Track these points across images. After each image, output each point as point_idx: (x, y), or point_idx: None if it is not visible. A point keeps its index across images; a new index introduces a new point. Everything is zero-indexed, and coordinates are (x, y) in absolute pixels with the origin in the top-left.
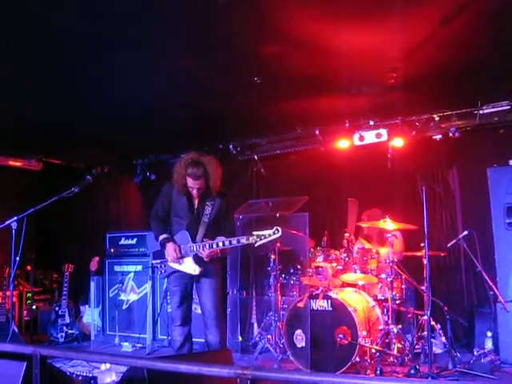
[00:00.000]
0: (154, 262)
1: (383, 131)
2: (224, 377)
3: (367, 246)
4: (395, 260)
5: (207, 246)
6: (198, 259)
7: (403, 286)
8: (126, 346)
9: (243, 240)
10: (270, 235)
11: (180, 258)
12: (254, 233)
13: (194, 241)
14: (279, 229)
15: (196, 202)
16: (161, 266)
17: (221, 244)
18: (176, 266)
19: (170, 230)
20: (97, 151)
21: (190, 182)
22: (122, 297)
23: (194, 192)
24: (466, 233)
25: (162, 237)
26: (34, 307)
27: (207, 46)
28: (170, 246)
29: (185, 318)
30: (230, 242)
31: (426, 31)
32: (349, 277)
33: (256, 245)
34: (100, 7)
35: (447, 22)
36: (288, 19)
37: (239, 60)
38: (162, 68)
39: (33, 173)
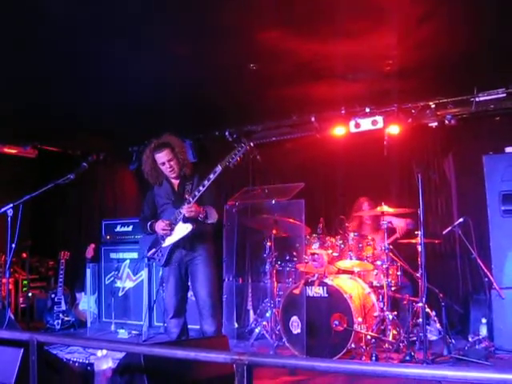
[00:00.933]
0: (149, 254)
1: (379, 118)
2: (220, 362)
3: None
4: (391, 247)
5: (190, 199)
6: (187, 219)
7: (398, 273)
8: (122, 333)
9: (217, 168)
10: (239, 150)
11: (170, 225)
12: (225, 157)
13: None
14: (245, 141)
15: (176, 184)
16: (157, 255)
17: (201, 188)
18: (170, 241)
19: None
20: (92, 138)
21: (158, 158)
22: (118, 284)
23: (168, 168)
24: (461, 220)
25: (149, 223)
26: (29, 294)
27: (203, 32)
28: (158, 222)
29: (179, 308)
30: (209, 179)
31: (421, 19)
32: (344, 264)
33: (231, 164)
34: None
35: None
36: (285, 4)
37: (235, 46)
38: (158, 55)
39: (28, 160)
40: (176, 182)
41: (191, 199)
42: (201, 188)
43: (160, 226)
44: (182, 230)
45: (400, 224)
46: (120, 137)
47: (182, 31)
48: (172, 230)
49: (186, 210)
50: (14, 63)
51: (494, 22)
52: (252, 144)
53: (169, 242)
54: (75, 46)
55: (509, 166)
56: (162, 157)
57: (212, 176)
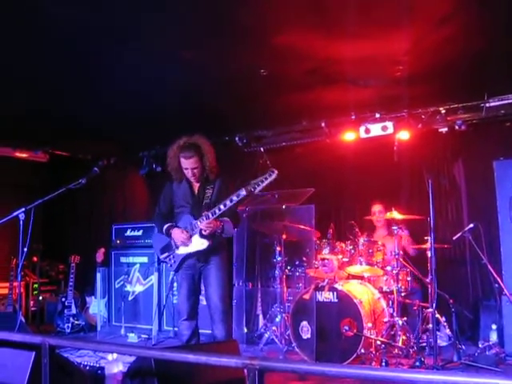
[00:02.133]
0: (162, 256)
1: (389, 124)
2: (231, 367)
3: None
4: (401, 253)
5: (210, 215)
6: (203, 234)
7: (408, 279)
8: (132, 337)
9: (242, 192)
10: (266, 178)
11: (188, 238)
12: (251, 182)
13: None
14: (274, 170)
15: (196, 187)
16: (169, 259)
17: (222, 207)
18: (184, 251)
19: (175, 223)
20: (103, 143)
21: (183, 163)
22: (128, 288)
23: (190, 174)
24: (471, 226)
25: (166, 226)
26: (40, 298)
27: (214, 37)
28: (175, 230)
29: (192, 311)
30: (231, 200)
31: (433, 24)
32: (354, 269)
33: (256, 191)
34: None
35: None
36: (297, 10)
37: (246, 51)
38: (168, 60)
39: (39, 164)
40: (196, 185)
41: (210, 215)
42: (221, 207)
43: (178, 236)
44: (198, 244)
45: (407, 243)
46: (130, 141)
47: (193, 38)
48: (189, 242)
49: (203, 226)
50: (27, 68)
51: (505, 28)
52: (262, 149)
53: (183, 251)
54: (85, 52)
55: None
56: (187, 163)
57: (235, 198)
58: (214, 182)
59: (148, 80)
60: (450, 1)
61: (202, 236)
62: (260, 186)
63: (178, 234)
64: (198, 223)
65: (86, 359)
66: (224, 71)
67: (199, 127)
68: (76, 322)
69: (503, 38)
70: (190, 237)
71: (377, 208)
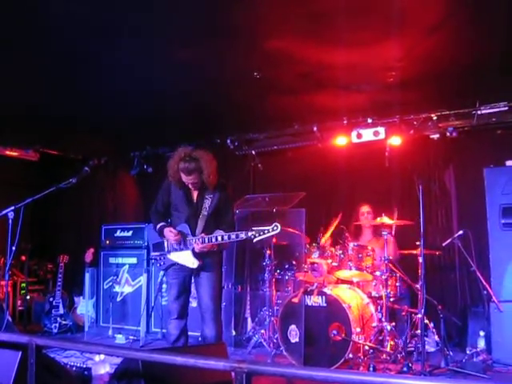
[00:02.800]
0: (153, 254)
1: (381, 129)
2: (219, 370)
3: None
4: (391, 258)
5: (206, 240)
6: (196, 252)
7: (397, 284)
8: (120, 338)
9: (242, 235)
10: (268, 231)
11: (179, 240)
12: (254, 228)
13: (193, 234)
14: (278, 225)
15: (195, 195)
16: (160, 259)
17: (220, 238)
18: (175, 258)
19: (170, 222)
20: (94, 143)
21: (183, 177)
22: (117, 289)
23: (190, 185)
24: (461, 232)
25: (159, 224)
26: (27, 297)
27: (207, 38)
28: (167, 230)
29: (182, 311)
30: (229, 237)
31: (424, 31)
32: (344, 273)
33: (254, 240)
34: None
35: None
36: (290, 14)
37: (239, 54)
38: (160, 61)
39: (30, 163)
40: (195, 192)
41: (206, 240)
42: (219, 238)
43: (169, 235)
44: (189, 261)
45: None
46: (122, 142)
47: (187, 38)
48: (180, 244)
49: (198, 249)
50: (19, 66)
51: (497, 36)
52: (254, 152)
53: (173, 258)
54: (77, 50)
55: (509, 179)
56: (186, 179)
57: (233, 237)
58: (214, 191)
59: (140, 81)
60: (440, 9)
61: (194, 254)
62: (261, 236)
63: (169, 234)
64: (193, 241)
65: (72, 360)
66: (217, 73)
67: (191, 129)
68: (63, 322)
69: (494, 46)
70: (182, 249)
71: (365, 209)
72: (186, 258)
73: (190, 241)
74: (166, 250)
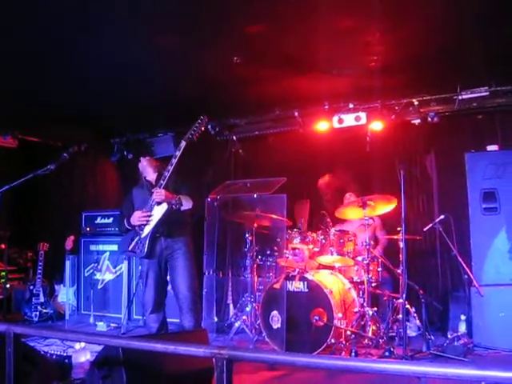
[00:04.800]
0: (130, 247)
1: (362, 114)
2: (199, 356)
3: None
4: (372, 243)
5: (160, 183)
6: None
7: (379, 269)
8: (101, 326)
9: (182, 144)
10: (198, 124)
11: (147, 215)
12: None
13: None
14: (202, 116)
15: (154, 179)
16: (137, 248)
17: (169, 167)
18: (149, 228)
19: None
20: (74, 129)
21: (139, 165)
22: (98, 276)
23: (149, 171)
24: (442, 217)
25: (126, 219)
26: (7, 286)
27: (187, 23)
28: (134, 214)
29: (157, 303)
30: (175, 157)
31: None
32: (325, 259)
33: (194, 137)
34: None
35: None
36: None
37: (219, 39)
38: (140, 46)
39: (8, 150)
40: (154, 179)
41: (161, 182)
42: (169, 167)
43: (136, 215)
44: (158, 212)
45: (380, 234)
46: (102, 128)
47: (168, 23)
48: (149, 216)
49: (155, 195)
50: None
51: (477, 22)
52: (235, 137)
53: (147, 229)
54: (53, 35)
55: (490, 164)
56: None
57: (178, 153)
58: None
59: (120, 66)
60: None
61: (158, 204)
62: (195, 131)
63: (135, 215)
64: (152, 197)
65: (53, 348)
66: (197, 58)
67: (171, 115)
68: (44, 311)
69: (475, 31)
70: (149, 213)
71: (351, 196)
72: (156, 214)
73: (151, 200)
74: (139, 230)
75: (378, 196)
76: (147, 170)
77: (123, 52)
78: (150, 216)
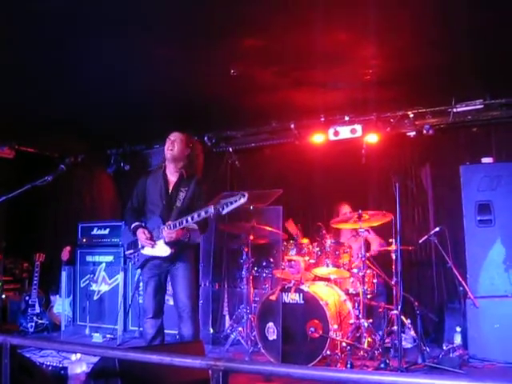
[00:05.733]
0: (127, 252)
1: (358, 127)
2: (196, 368)
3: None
4: (367, 255)
5: (177, 224)
6: (169, 241)
7: (374, 281)
8: (97, 337)
9: (210, 210)
10: (236, 201)
11: (151, 239)
12: (221, 201)
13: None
14: (245, 194)
15: (171, 187)
16: (134, 257)
17: (189, 219)
18: (149, 252)
19: (144, 220)
20: (70, 140)
21: (170, 135)
22: (94, 287)
23: (168, 146)
24: (437, 229)
25: (133, 224)
26: (3, 296)
27: (185, 36)
28: (140, 231)
29: (157, 310)
30: (199, 215)
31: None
32: (321, 270)
33: (224, 212)
34: None
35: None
36: (267, 13)
37: (217, 51)
38: (138, 58)
39: (5, 160)
40: (172, 181)
41: (177, 224)
42: (189, 219)
43: (142, 237)
44: (162, 250)
45: (374, 242)
46: (98, 139)
47: (165, 35)
48: (152, 241)
49: (166, 235)
50: None
51: (472, 35)
52: (231, 149)
53: (147, 252)
54: (54, 47)
55: (485, 176)
56: (172, 134)
57: (203, 214)
58: (190, 183)
59: (116, 78)
60: (414, 9)
61: (166, 243)
62: (229, 207)
63: (142, 237)
64: (164, 229)
65: (49, 359)
66: (195, 70)
67: (168, 126)
68: (40, 322)
69: (470, 44)
70: (155, 240)
71: (346, 209)
72: (159, 248)
73: (162, 230)
74: (140, 245)
75: (373, 213)
76: (171, 164)
77: (120, 64)
78: (153, 244)
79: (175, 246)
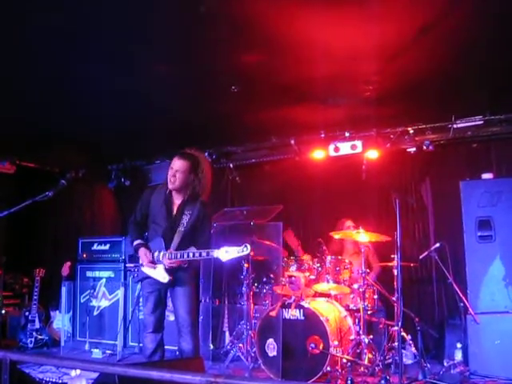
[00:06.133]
0: (128, 265)
1: (358, 143)
2: None
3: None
4: (368, 271)
5: (178, 255)
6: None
7: (375, 297)
8: (96, 353)
9: (212, 253)
10: (238, 252)
11: (152, 262)
12: (223, 248)
13: (167, 248)
14: (248, 246)
15: (175, 209)
16: (134, 270)
17: (191, 255)
18: (148, 272)
19: (146, 236)
20: (71, 155)
21: (172, 163)
22: (94, 303)
23: (170, 178)
24: (437, 245)
25: (136, 242)
26: (3, 312)
27: (186, 52)
28: (142, 251)
29: (157, 324)
30: (200, 254)
31: (401, 44)
32: (321, 286)
33: (224, 260)
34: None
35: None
36: (267, 28)
37: (217, 68)
38: (138, 74)
39: (6, 176)
40: (177, 203)
41: (178, 256)
42: (190, 255)
43: (144, 259)
44: (160, 275)
45: (374, 263)
46: (99, 155)
47: (166, 51)
48: (153, 263)
49: (167, 264)
50: None
51: (472, 52)
52: (232, 165)
53: (147, 271)
54: (54, 63)
55: (485, 192)
56: (174, 164)
57: (204, 255)
58: (194, 207)
59: (118, 94)
60: (414, 26)
61: (165, 269)
62: (230, 256)
63: (142, 255)
64: (162, 256)
65: (48, 375)
66: (195, 87)
67: (169, 142)
68: (39, 337)
69: (469, 61)
70: (155, 263)
71: (349, 223)
72: (158, 272)
73: (162, 255)
74: (141, 262)
75: (374, 234)
76: (178, 192)
77: (121, 79)
78: (153, 266)
79: (176, 271)
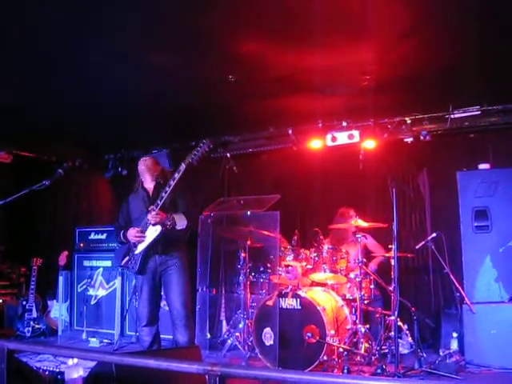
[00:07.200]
0: (123, 262)
1: (355, 132)
2: (192, 373)
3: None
4: (365, 260)
5: (158, 201)
6: (155, 224)
7: (371, 286)
8: (94, 342)
9: (181, 167)
10: (200, 147)
11: (141, 232)
12: (188, 156)
13: None
14: (205, 140)
15: (151, 191)
16: (130, 263)
17: (167, 188)
18: (142, 247)
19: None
20: (68, 145)
21: (139, 166)
22: (91, 292)
23: (147, 177)
24: (434, 235)
25: (122, 231)
26: (0, 301)
27: (182, 42)
28: (129, 231)
29: (151, 317)
30: (174, 179)
31: (397, 36)
32: (318, 276)
33: (194, 162)
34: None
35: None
36: (264, 18)
37: (214, 57)
38: (135, 64)
39: (3, 165)
40: (151, 189)
41: (158, 202)
42: (167, 189)
43: (131, 233)
44: (152, 233)
45: (375, 249)
46: (96, 144)
47: (161, 42)
48: (143, 236)
49: (151, 217)
50: None
51: (468, 43)
52: (229, 155)
53: (141, 247)
54: (52, 52)
55: (482, 182)
56: (140, 164)
57: (177, 175)
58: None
59: (115, 83)
60: (412, 16)
61: (153, 225)
62: (196, 155)
63: (131, 232)
64: (149, 214)
65: (45, 364)
66: (192, 76)
67: (166, 131)
68: (37, 326)
69: (467, 52)
70: (144, 232)
71: (353, 213)
72: (149, 234)
73: (147, 219)
74: (133, 247)
75: (371, 225)
76: (146, 174)
77: (118, 70)
78: (144, 235)
79: (163, 226)
